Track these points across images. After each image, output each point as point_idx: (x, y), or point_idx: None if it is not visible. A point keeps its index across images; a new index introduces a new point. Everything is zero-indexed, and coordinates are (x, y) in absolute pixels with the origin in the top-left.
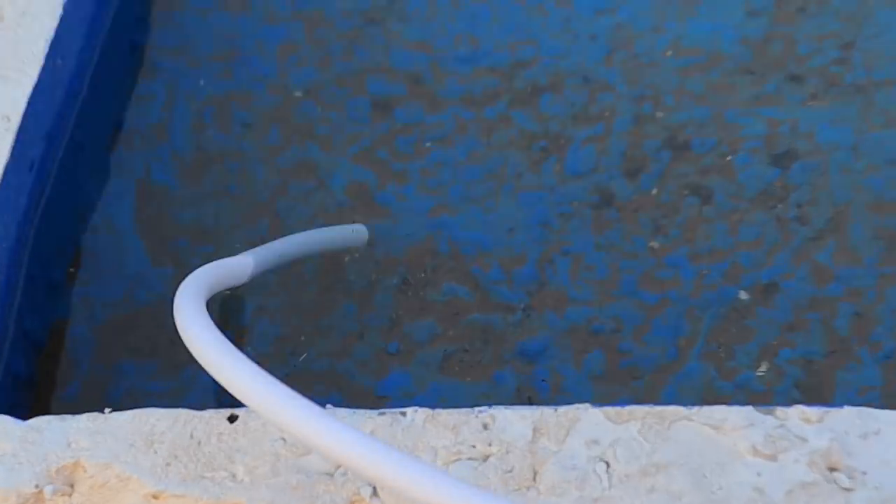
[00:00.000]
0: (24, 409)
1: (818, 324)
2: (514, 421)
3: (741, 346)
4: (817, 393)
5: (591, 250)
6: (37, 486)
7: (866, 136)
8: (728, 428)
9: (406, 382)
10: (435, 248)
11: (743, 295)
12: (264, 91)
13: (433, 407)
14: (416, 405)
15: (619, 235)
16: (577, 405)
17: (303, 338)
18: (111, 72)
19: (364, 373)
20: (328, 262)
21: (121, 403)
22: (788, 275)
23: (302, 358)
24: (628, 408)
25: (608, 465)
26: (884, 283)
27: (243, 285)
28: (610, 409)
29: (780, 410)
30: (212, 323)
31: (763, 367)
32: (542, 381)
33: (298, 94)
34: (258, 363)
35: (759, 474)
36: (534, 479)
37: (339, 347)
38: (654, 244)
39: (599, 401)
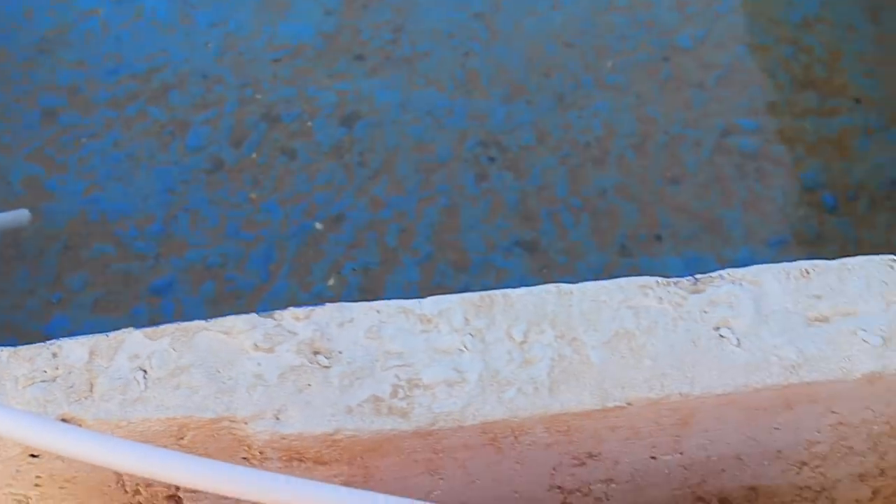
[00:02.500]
0: None
1: (374, 241)
2: (75, 348)
3: (317, 264)
4: (373, 292)
5: (206, 206)
6: None
7: (411, 95)
8: (236, 332)
9: (66, 323)
10: (88, 218)
11: (318, 226)
12: None
13: None
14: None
15: (227, 192)
16: (122, 330)
17: None
18: None
19: (34, 320)
20: (10, 239)
21: None
22: (352, 206)
23: None
24: (161, 327)
25: (145, 372)
26: (421, 206)
27: None
28: (148, 330)
29: (278, 314)
30: None
31: (332, 279)
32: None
33: None
34: None
35: (259, 364)
36: (90, 390)
37: (15, 303)
38: (253, 195)
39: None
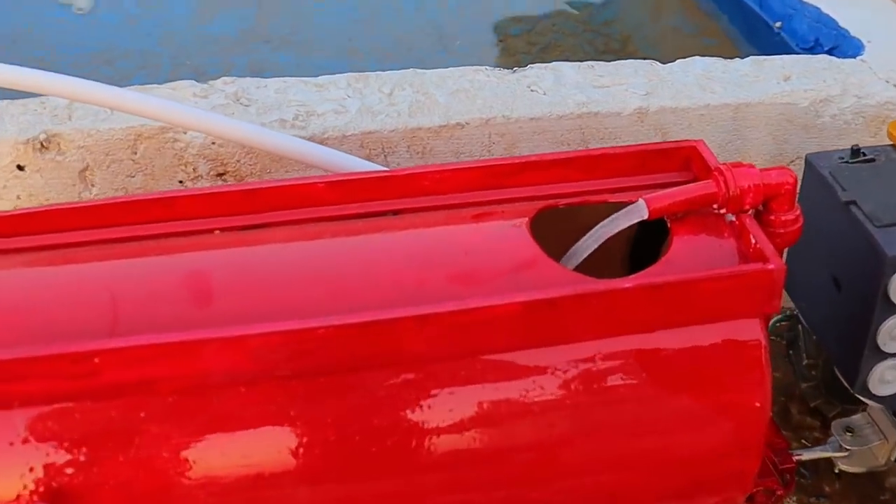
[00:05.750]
0: None
1: None
2: None
3: None
4: None
5: None
6: None
7: (303, 59)
8: (180, 88)
9: None
10: None
11: None
12: None
13: None
14: None
15: None
16: None
17: None
18: None
19: None
20: None
21: None
22: None
23: None
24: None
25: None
26: None
27: None
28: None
29: (212, 81)
30: None
31: None
32: None
33: None
34: None
35: (195, 104)
36: (69, 117)
37: None
38: None
39: None
